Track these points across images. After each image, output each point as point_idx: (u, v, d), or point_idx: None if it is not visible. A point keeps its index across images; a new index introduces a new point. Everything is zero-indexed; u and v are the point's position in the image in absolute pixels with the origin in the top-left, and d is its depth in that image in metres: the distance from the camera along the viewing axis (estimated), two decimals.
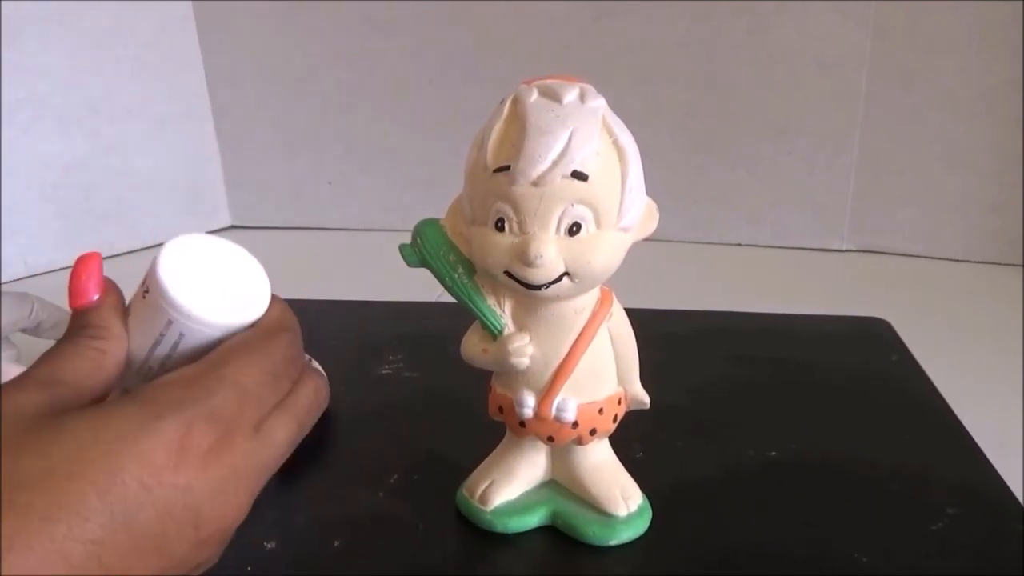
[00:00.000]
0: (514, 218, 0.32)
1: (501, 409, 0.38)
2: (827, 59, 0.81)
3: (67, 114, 0.83)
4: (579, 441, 0.38)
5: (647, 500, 0.40)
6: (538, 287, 0.32)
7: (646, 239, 0.35)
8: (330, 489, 0.45)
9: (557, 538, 0.40)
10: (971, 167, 0.82)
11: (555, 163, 0.30)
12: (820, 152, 0.85)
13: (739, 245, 0.89)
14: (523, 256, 0.31)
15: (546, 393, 0.36)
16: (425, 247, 0.35)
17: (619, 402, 0.38)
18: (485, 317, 0.35)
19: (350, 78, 0.90)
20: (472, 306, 0.35)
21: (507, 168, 0.31)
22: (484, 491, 0.40)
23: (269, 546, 0.40)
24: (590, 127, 0.31)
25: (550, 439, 0.38)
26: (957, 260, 0.84)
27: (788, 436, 0.48)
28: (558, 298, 0.34)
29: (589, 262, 0.32)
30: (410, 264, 0.36)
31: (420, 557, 0.39)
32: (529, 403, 0.36)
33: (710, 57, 0.83)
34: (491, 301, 0.35)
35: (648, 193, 0.34)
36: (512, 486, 0.40)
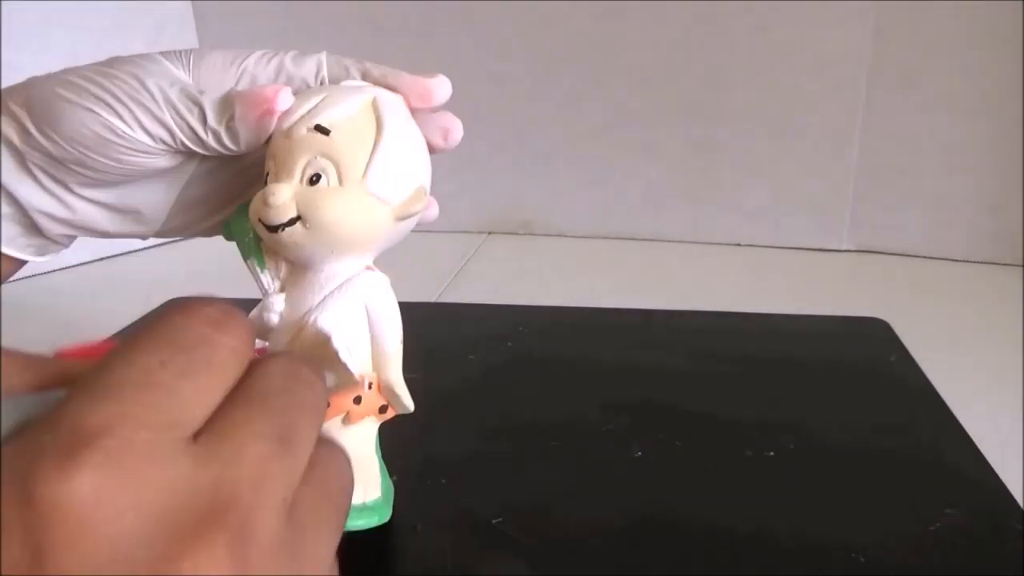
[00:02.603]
0: (272, 170, 0.34)
1: None
2: (827, 59, 0.81)
3: None
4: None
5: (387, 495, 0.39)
6: (275, 228, 0.34)
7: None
8: None
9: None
10: (971, 167, 0.82)
11: (302, 118, 0.34)
12: (820, 152, 0.85)
13: (739, 245, 0.89)
14: (264, 198, 0.34)
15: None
16: (234, 216, 0.38)
17: (369, 387, 0.37)
18: (256, 275, 0.37)
19: None
20: (249, 266, 0.37)
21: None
22: None
23: None
24: (347, 97, 0.34)
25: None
26: (957, 260, 0.84)
27: (786, 436, 0.48)
28: (298, 247, 0.34)
29: (318, 207, 0.33)
30: (225, 237, 0.38)
31: (420, 557, 0.39)
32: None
33: (710, 57, 0.83)
34: (270, 264, 0.37)
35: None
36: None
